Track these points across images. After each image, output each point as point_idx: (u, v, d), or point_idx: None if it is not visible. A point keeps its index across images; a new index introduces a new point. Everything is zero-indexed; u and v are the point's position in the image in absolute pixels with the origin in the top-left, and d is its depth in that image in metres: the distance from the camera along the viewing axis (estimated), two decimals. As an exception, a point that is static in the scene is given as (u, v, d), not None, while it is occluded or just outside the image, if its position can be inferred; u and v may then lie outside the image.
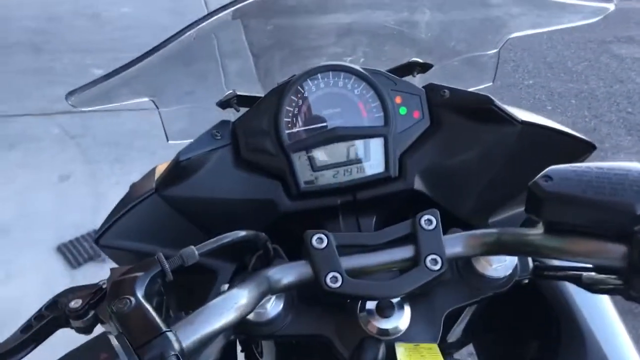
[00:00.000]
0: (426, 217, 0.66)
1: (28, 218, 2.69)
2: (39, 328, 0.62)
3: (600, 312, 0.79)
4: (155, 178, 0.80)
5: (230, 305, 0.57)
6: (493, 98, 0.77)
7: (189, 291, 0.78)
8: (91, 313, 0.61)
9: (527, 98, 4.00)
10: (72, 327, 0.62)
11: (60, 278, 2.38)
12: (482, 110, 0.78)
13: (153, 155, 2.99)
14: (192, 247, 0.60)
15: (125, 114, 3.31)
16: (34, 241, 2.56)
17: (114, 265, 0.82)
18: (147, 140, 3.13)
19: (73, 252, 2.49)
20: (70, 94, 0.85)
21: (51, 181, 2.94)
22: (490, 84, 0.98)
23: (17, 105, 3.48)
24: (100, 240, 0.77)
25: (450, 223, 0.72)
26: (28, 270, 2.41)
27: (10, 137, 3.23)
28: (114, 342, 0.49)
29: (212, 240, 0.63)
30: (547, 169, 0.57)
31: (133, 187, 0.85)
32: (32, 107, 3.45)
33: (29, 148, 3.16)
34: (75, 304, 0.61)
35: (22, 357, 0.61)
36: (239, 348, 1.02)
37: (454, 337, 0.88)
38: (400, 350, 0.65)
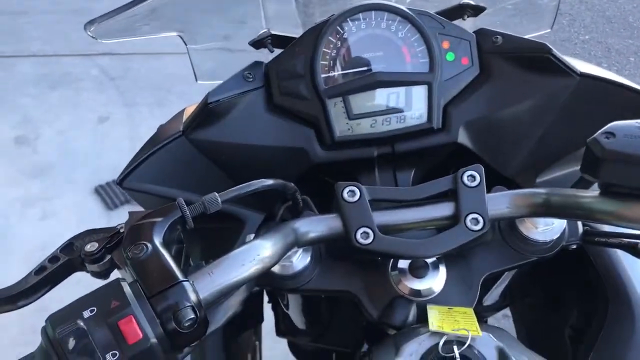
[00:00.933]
0: (469, 172, 0.62)
1: (68, 158, 2.73)
2: (53, 270, 0.60)
3: None
4: (184, 120, 0.76)
5: (252, 256, 0.54)
6: (550, 46, 0.72)
7: (216, 240, 0.76)
8: (107, 257, 0.59)
9: (582, 54, 3.80)
10: (87, 271, 0.61)
11: (96, 219, 2.42)
12: (538, 60, 0.73)
13: (193, 101, 2.97)
14: (216, 193, 0.57)
15: (167, 58, 3.28)
16: (72, 181, 2.61)
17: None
18: (188, 85, 3.08)
19: (110, 194, 2.52)
20: (90, 23, 0.80)
21: (90, 122, 2.96)
22: (549, 30, 0.91)
23: (57, 46, 3.50)
24: (124, 182, 0.75)
25: (494, 181, 0.68)
26: (66, 210, 2.46)
27: (51, 78, 3.26)
28: (127, 289, 0.46)
29: (236, 187, 0.60)
30: (609, 125, 0.53)
31: (161, 128, 0.82)
32: (72, 48, 3.46)
33: (69, 88, 3.19)
34: (91, 247, 0.59)
35: (35, 300, 0.60)
36: (265, 299, 1.00)
37: (491, 300, 0.85)
38: (433, 312, 0.62)
